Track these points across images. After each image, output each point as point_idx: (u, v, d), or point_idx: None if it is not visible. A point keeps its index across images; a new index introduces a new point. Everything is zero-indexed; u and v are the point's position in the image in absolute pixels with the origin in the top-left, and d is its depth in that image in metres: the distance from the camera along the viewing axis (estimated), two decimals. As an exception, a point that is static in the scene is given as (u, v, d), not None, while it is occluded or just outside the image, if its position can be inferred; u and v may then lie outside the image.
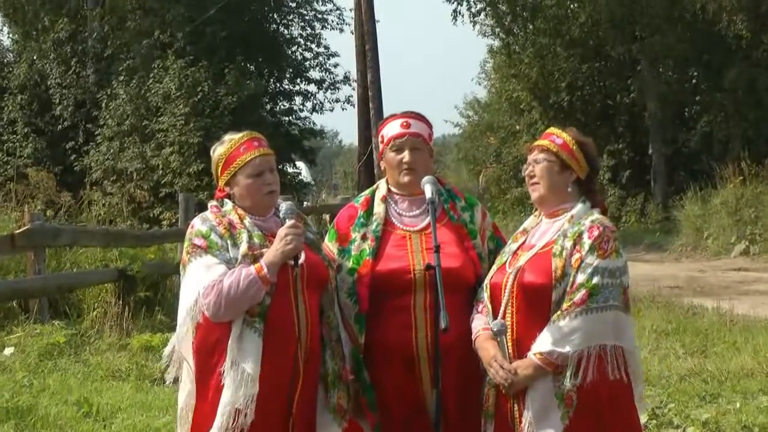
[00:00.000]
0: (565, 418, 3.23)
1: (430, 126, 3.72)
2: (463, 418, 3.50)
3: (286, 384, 3.29)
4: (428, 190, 3.56)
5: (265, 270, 3.25)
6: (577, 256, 3.28)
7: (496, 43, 28.48)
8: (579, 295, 3.23)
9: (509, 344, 3.33)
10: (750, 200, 17.67)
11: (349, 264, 3.58)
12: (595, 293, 3.23)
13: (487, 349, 3.35)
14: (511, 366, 3.29)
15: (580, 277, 3.25)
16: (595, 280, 3.24)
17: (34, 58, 25.72)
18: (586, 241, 3.29)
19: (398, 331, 3.51)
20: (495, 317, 3.37)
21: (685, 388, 6.77)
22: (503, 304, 3.36)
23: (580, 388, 3.23)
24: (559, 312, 3.25)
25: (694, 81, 24.08)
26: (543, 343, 3.25)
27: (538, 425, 3.25)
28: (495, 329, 3.33)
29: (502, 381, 3.28)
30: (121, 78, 23.70)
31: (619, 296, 3.28)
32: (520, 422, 3.29)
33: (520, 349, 3.31)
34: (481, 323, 3.43)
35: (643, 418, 3.70)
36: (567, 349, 3.22)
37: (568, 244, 3.31)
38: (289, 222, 3.34)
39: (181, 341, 3.36)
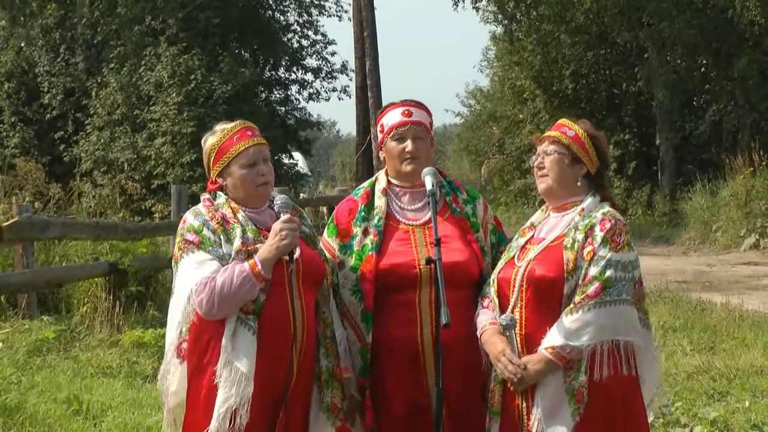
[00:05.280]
0: (576, 414, 3.18)
1: (430, 115, 3.66)
2: (467, 416, 3.46)
3: (280, 383, 3.22)
4: (428, 182, 3.49)
5: (260, 266, 3.19)
6: (589, 248, 3.24)
7: (499, 29, 28.27)
8: (592, 288, 3.19)
9: (518, 339, 3.27)
10: (760, 192, 17.49)
11: (352, 260, 3.52)
12: (609, 286, 3.19)
13: (494, 344, 3.29)
14: (520, 361, 3.22)
15: (593, 270, 3.21)
16: (609, 273, 3.20)
17: (22, 44, 25.60)
18: (599, 234, 3.25)
19: (403, 327, 3.46)
20: (503, 312, 3.32)
21: (693, 385, 6.71)
22: (512, 299, 3.31)
23: (592, 384, 3.18)
24: (571, 305, 3.20)
25: (703, 69, 23.70)
26: (555, 336, 3.19)
27: (547, 422, 3.19)
28: (504, 323, 3.26)
29: (511, 376, 3.22)
30: (112, 65, 23.50)
31: (631, 290, 3.24)
32: (528, 419, 3.24)
33: (530, 344, 3.25)
34: (487, 318, 3.37)
35: (649, 417, 3.50)
36: (580, 342, 3.16)
37: (580, 236, 3.27)
38: (284, 216, 3.28)
39: (173, 339, 3.31)
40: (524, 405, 3.25)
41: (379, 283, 3.46)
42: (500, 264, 3.42)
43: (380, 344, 3.48)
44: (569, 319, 3.18)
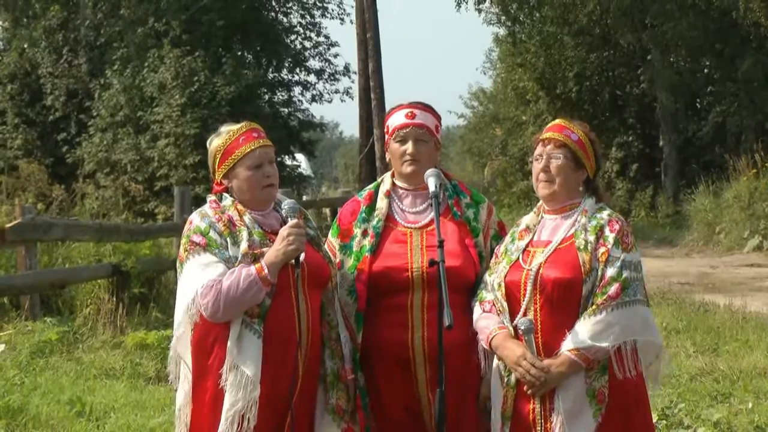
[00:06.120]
0: (598, 416, 3.19)
1: (437, 117, 3.65)
2: (461, 420, 3.45)
3: (285, 386, 3.23)
4: (431, 184, 3.49)
5: (266, 270, 3.19)
6: (603, 249, 3.26)
7: (502, 31, 28.24)
8: (613, 289, 3.21)
9: (534, 342, 3.25)
10: (764, 194, 17.48)
11: (350, 261, 3.54)
12: (627, 287, 3.22)
13: (510, 348, 3.25)
14: (543, 364, 3.19)
15: (611, 271, 3.23)
16: (625, 273, 3.22)
17: (25, 46, 25.49)
18: (609, 235, 3.27)
19: (394, 331, 3.47)
20: (512, 316, 3.29)
21: (696, 387, 6.72)
22: (524, 303, 3.28)
23: (612, 384, 3.20)
24: (593, 306, 3.20)
25: (706, 71, 23.69)
26: (580, 338, 3.18)
27: (570, 425, 3.18)
28: (523, 327, 3.23)
29: (534, 380, 3.20)
30: (115, 67, 23.44)
31: (643, 290, 3.28)
32: (545, 423, 3.22)
33: (548, 347, 3.24)
34: (493, 322, 3.32)
35: (652, 418, 3.53)
36: (606, 344, 3.17)
37: (591, 237, 3.28)
38: (291, 221, 3.28)
39: (178, 341, 3.31)
40: (540, 409, 3.24)
41: (371, 284, 3.48)
42: (503, 268, 3.38)
43: (371, 347, 3.50)
44: (592, 321, 3.18)
